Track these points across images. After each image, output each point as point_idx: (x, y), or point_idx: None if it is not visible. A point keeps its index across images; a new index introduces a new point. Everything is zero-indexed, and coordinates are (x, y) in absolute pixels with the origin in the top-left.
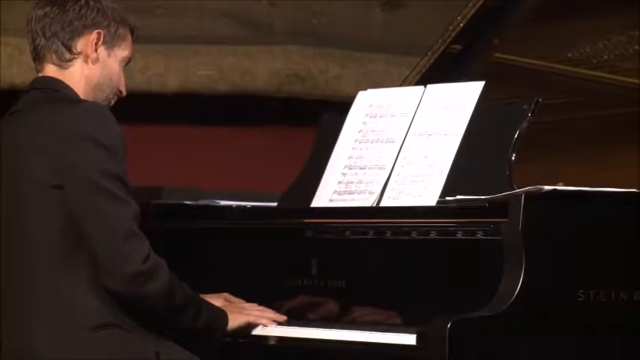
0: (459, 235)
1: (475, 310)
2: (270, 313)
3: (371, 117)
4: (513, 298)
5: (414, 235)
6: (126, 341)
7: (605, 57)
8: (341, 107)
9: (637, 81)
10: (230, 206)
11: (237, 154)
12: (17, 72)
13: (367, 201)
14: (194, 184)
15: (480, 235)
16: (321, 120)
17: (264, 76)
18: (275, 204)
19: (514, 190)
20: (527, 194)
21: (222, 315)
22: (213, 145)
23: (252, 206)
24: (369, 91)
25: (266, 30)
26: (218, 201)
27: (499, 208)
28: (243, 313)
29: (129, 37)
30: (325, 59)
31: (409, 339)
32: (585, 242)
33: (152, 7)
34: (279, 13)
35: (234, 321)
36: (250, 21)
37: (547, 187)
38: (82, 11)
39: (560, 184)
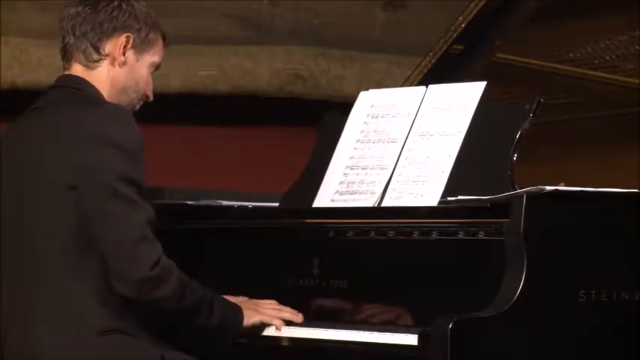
0: (461, 236)
1: (477, 310)
2: (286, 313)
3: (372, 117)
4: (515, 298)
5: (415, 235)
6: (130, 347)
7: (607, 57)
8: (342, 107)
9: (638, 81)
10: (232, 206)
11: (238, 154)
12: (18, 72)
13: (369, 201)
14: (196, 184)
15: (481, 236)
16: (322, 120)
17: (265, 76)
18: (277, 204)
19: (516, 190)
20: (529, 194)
21: (236, 312)
22: (215, 146)
23: (254, 206)
24: (371, 91)
25: (267, 30)
26: (220, 201)
27: (501, 208)
28: (258, 311)
29: (160, 42)
30: (327, 59)
31: (410, 339)
32: (587, 242)
33: (154, 8)
34: (280, 13)
35: (249, 318)
36: (252, 21)
37: (549, 188)
38: (114, 13)
39: (562, 184)
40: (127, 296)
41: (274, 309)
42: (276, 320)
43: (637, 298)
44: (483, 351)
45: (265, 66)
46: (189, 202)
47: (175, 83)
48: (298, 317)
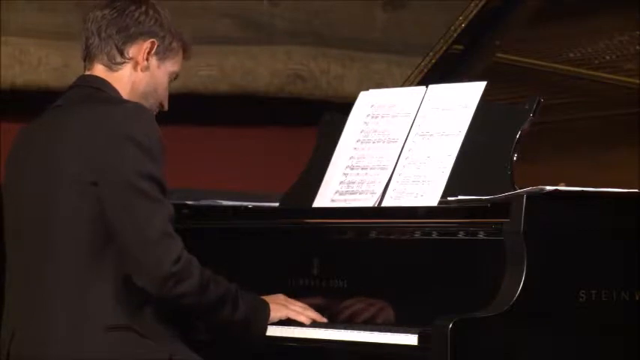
0: (461, 236)
1: (477, 310)
2: (311, 312)
3: (373, 117)
4: (515, 298)
5: (415, 235)
6: (138, 344)
7: (607, 57)
8: (343, 107)
9: (638, 81)
10: (232, 206)
11: (238, 155)
12: (19, 72)
13: (369, 201)
14: (195, 184)
15: (481, 236)
16: (322, 120)
17: (265, 76)
18: (277, 204)
19: (516, 190)
20: (529, 194)
21: (262, 306)
22: (215, 146)
23: (254, 206)
24: (371, 91)
25: (267, 30)
26: (220, 201)
27: (501, 208)
28: (285, 307)
29: (180, 53)
30: (327, 59)
31: (411, 339)
32: (587, 242)
33: None
34: (280, 13)
35: (277, 312)
36: (252, 21)
37: (549, 188)
38: (141, 18)
39: (562, 184)
40: (150, 292)
41: (300, 307)
42: (302, 316)
43: (637, 298)
44: (483, 351)
45: (265, 66)
46: (189, 202)
47: (175, 83)
48: (323, 319)
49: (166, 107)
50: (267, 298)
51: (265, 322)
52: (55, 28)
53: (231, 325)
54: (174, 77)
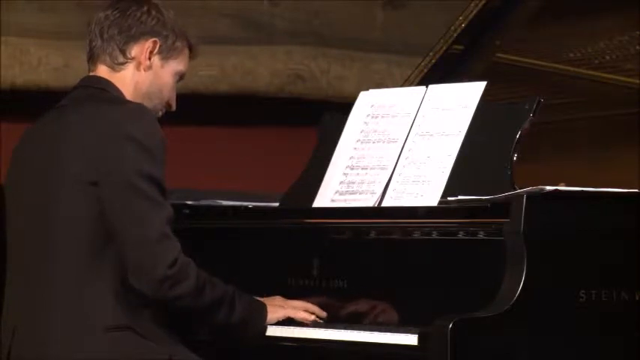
0: (461, 236)
1: (477, 310)
2: (311, 310)
3: (373, 117)
4: (515, 298)
5: (415, 235)
6: (138, 344)
7: (607, 57)
8: (343, 107)
9: (638, 81)
10: (232, 206)
11: (238, 155)
12: (19, 72)
13: (369, 201)
14: (195, 184)
15: (481, 236)
16: (322, 120)
17: (266, 76)
18: (277, 204)
19: (516, 190)
20: (529, 194)
21: (259, 308)
22: (215, 146)
23: (254, 206)
24: (371, 91)
25: (268, 30)
26: (220, 201)
27: (501, 208)
28: (284, 307)
29: (186, 52)
30: (327, 59)
31: (411, 339)
32: (587, 242)
33: None
34: (280, 13)
35: (274, 313)
36: (252, 21)
37: (549, 188)
38: (142, 18)
39: (562, 184)
40: (147, 294)
41: (300, 305)
42: (301, 313)
43: (637, 298)
44: (483, 351)
45: (265, 66)
46: (189, 202)
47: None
48: (323, 313)
49: (174, 107)
50: (265, 300)
51: (263, 323)
52: (55, 28)
53: (228, 327)
54: (180, 77)
